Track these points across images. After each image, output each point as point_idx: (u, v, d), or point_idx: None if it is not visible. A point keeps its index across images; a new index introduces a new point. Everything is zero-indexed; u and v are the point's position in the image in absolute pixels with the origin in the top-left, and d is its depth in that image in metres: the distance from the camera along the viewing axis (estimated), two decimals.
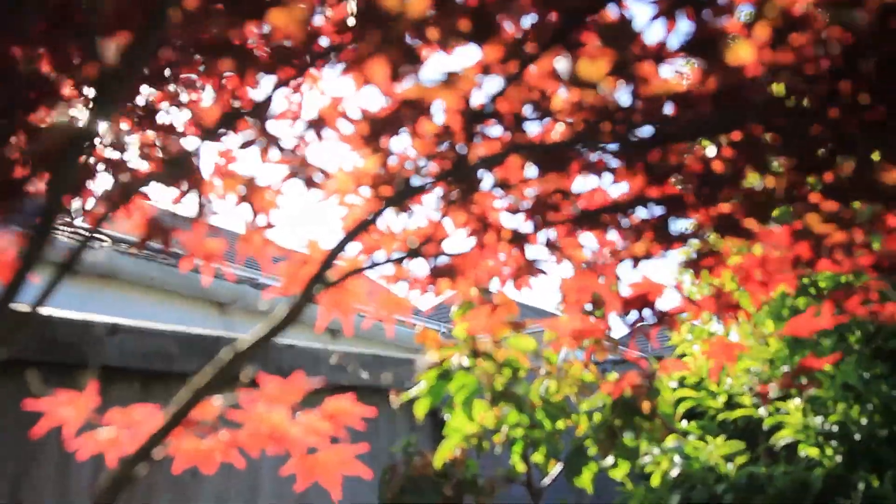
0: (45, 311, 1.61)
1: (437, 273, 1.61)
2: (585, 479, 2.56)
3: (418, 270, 1.67)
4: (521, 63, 1.19)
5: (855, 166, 1.53)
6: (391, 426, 3.74)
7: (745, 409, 3.72)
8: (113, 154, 1.54)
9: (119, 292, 7.18)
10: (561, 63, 1.15)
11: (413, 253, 1.56)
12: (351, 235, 1.14)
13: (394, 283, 1.67)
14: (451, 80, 1.16)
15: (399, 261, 1.55)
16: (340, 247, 1.13)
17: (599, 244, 1.96)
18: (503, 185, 1.81)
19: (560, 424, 2.63)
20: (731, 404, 3.89)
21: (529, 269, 2.03)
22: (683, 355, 4.19)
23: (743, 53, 1.11)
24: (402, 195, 1.30)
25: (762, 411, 3.64)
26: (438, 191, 1.84)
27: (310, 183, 1.52)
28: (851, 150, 1.52)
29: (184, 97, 1.59)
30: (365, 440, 1.59)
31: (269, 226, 1.56)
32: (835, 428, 3.37)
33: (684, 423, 3.78)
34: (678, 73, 1.27)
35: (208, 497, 3.15)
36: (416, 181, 1.28)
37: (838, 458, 3.37)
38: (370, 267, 1.29)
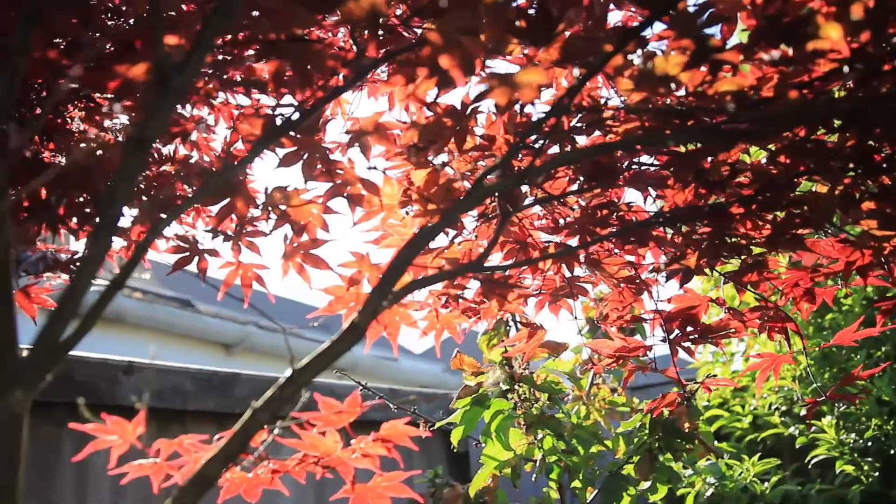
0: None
1: (488, 291, 1.55)
2: None
3: (465, 291, 1.62)
4: (587, 66, 1.14)
5: None
6: (408, 461, 3.67)
7: (775, 429, 3.67)
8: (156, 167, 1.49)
9: (125, 335, 7.13)
10: (635, 59, 1.10)
11: (461, 269, 1.50)
12: (416, 245, 1.09)
13: (441, 304, 1.62)
14: (508, 83, 1.10)
15: (451, 276, 1.49)
16: (406, 257, 1.07)
17: (637, 260, 1.91)
18: (545, 199, 1.76)
19: (594, 449, 2.57)
20: (756, 425, 3.83)
21: (570, 288, 1.98)
22: (711, 376, 4.13)
23: (832, 33, 1.05)
24: (459, 208, 1.25)
25: (793, 430, 3.58)
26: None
27: (355, 199, 1.47)
28: None
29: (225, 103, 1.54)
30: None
31: (314, 242, 1.50)
32: (870, 444, 3.31)
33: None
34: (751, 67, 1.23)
35: None
36: (470, 196, 1.22)
37: (875, 475, 3.31)
38: (425, 283, 1.23)
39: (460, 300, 1.62)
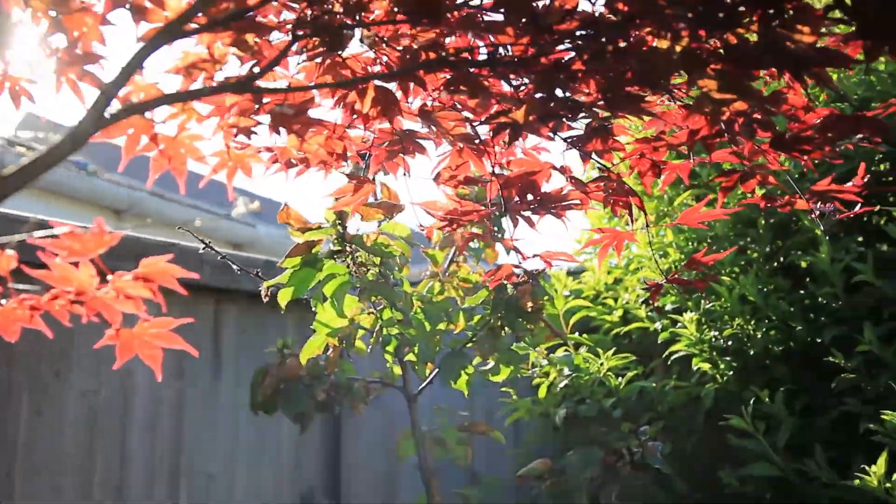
0: None
1: (278, 123, 1.38)
2: (462, 383, 2.39)
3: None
4: None
5: (760, 23, 1.34)
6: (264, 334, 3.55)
7: (640, 323, 3.59)
8: None
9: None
10: None
11: (223, 87, 1.33)
12: (142, 53, 0.92)
13: (232, 137, 1.45)
14: None
15: (202, 95, 1.31)
16: (132, 65, 0.90)
17: (476, 118, 1.76)
18: (374, 42, 1.60)
19: (442, 326, 2.45)
20: (627, 320, 3.76)
21: (404, 143, 1.83)
22: (583, 270, 4.05)
23: None
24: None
25: (658, 325, 3.51)
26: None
27: (138, 10, 1.29)
28: (756, 2, 1.33)
29: None
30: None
31: (88, 57, 1.32)
32: (730, 343, 3.25)
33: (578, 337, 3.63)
34: None
35: (76, 397, 2.93)
36: None
37: (731, 374, 3.25)
38: (173, 99, 1.07)
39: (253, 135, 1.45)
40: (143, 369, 3.09)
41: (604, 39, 1.41)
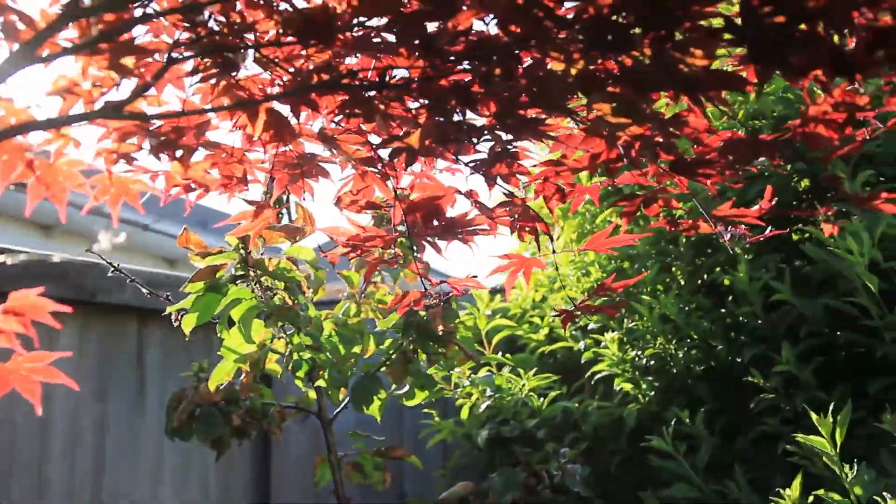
0: None
1: (157, 149, 1.33)
2: (374, 408, 2.34)
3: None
4: None
5: (652, 46, 1.32)
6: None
7: (564, 342, 3.57)
8: None
9: None
10: None
11: (89, 114, 1.27)
12: None
13: (113, 163, 1.39)
14: None
15: (65, 123, 1.26)
16: None
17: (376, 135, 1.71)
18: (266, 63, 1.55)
19: (356, 349, 2.41)
20: (553, 338, 3.73)
21: (305, 166, 1.78)
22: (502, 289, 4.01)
23: None
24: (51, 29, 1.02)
25: (581, 345, 3.48)
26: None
27: None
28: (648, 25, 1.30)
29: None
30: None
31: None
32: (652, 362, 3.23)
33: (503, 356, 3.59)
34: None
35: None
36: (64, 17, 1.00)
37: (652, 394, 3.23)
38: (28, 128, 1.01)
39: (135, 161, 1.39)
40: (61, 394, 3.01)
41: (495, 60, 1.38)
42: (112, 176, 1.41)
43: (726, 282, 3.15)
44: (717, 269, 3.21)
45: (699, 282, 3.31)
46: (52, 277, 3.23)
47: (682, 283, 3.28)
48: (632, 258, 3.36)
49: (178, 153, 1.36)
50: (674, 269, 3.35)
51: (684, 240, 3.26)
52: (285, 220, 2.32)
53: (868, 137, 1.73)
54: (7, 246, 3.33)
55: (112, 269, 2.47)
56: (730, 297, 3.21)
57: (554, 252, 1.84)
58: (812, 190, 3.11)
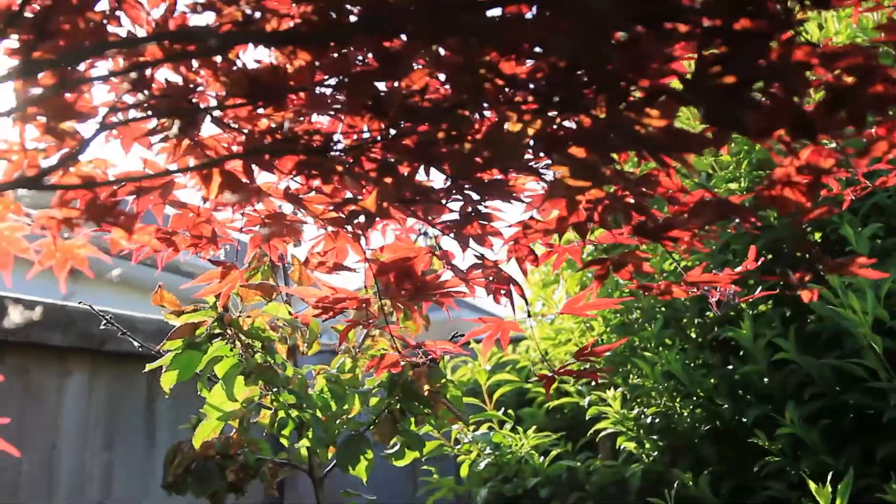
0: None
1: (90, 216, 1.29)
2: (360, 469, 2.28)
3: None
4: None
5: (607, 106, 1.27)
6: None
7: (569, 398, 3.49)
8: None
9: None
10: None
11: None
12: None
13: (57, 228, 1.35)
14: None
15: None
16: None
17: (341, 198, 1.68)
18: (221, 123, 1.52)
19: (348, 406, 2.36)
20: (561, 392, 3.65)
21: (274, 226, 1.75)
22: (522, 338, 3.96)
23: None
24: None
25: (586, 401, 3.41)
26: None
27: None
28: (601, 85, 1.26)
29: None
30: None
31: None
32: (656, 420, 3.14)
33: (511, 410, 3.53)
34: None
35: None
36: None
37: (657, 454, 3.15)
38: None
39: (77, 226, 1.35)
40: (68, 441, 3.00)
41: (447, 120, 1.34)
42: (56, 241, 1.38)
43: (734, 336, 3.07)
44: (726, 323, 3.13)
45: (707, 336, 3.22)
46: (60, 326, 3.22)
47: (692, 336, 3.20)
48: (638, 312, 3.29)
49: (121, 219, 1.32)
50: (684, 320, 3.27)
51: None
52: (281, 277, 2.30)
53: (855, 198, 1.68)
54: (18, 296, 3.33)
55: (105, 321, 2.46)
56: (740, 353, 3.12)
57: (529, 315, 1.79)
58: (820, 244, 3.02)
